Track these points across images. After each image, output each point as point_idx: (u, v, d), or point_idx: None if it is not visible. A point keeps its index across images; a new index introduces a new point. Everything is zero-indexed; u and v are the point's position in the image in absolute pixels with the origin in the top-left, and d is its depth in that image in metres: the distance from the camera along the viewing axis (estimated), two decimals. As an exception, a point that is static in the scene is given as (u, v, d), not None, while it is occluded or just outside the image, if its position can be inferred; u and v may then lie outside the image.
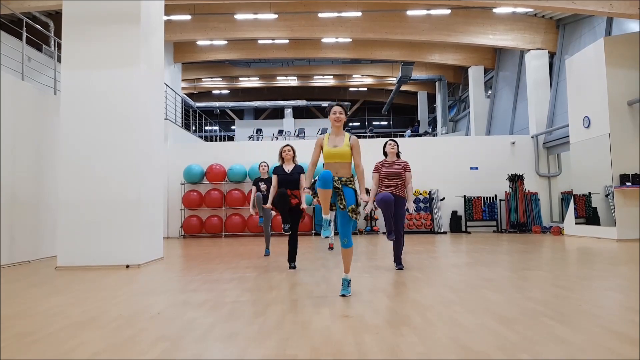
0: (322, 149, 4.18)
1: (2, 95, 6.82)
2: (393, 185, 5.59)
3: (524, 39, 13.79)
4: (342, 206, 4.00)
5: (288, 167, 5.96)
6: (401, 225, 5.61)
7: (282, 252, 7.84)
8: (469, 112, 19.26)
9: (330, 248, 8.13)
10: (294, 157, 6.04)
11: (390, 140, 5.79)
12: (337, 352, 2.51)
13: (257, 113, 29.59)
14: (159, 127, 7.57)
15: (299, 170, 5.92)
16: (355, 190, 4.10)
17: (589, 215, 10.29)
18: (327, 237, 4.14)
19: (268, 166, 7.66)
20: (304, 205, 5.55)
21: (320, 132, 20.58)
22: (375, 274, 5.27)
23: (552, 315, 3.19)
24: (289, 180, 5.85)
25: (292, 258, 5.86)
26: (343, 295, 4.03)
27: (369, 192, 5.85)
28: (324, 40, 16.49)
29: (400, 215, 5.58)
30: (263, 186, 7.38)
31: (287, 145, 6.10)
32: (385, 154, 5.80)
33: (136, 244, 6.46)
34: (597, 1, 9.35)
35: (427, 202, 12.78)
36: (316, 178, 4.10)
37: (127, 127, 6.60)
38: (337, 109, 4.15)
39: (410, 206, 5.71)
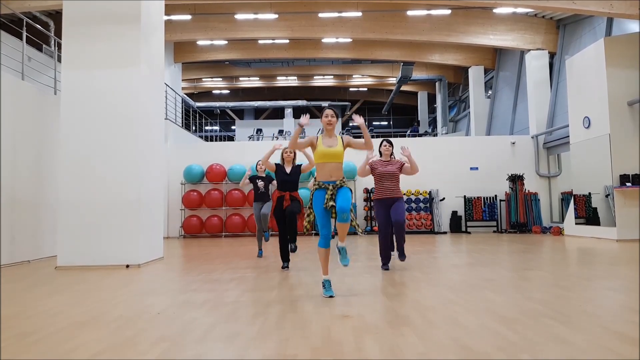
0: (313, 147, 4.23)
1: (2, 95, 6.82)
2: (389, 187, 5.62)
3: (524, 39, 13.78)
4: (334, 215, 4.02)
5: (288, 168, 6.01)
6: (402, 223, 5.57)
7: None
8: (469, 112, 19.26)
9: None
10: (294, 159, 6.10)
11: (385, 140, 5.83)
12: (337, 352, 2.51)
13: (258, 113, 29.59)
14: (159, 127, 7.58)
15: (297, 170, 5.98)
16: (351, 190, 4.17)
17: (589, 215, 10.29)
18: (331, 297, 4.06)
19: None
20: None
21: (320, 132, 20.59)
22: (375, 274, 5.27)
23: (553, 315, 3.19)
24: (288, 181, 5.91)
25: (285, 257, 5.88)
26: (345, 265, 4.18)
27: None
28: (324, 40, 16.48)
29: (399, 212, 5.53)
30: (260, 183, 7.40)
31: None
32: (380, 153, 5.85)
33: (136, 244, 6.46)
34: (597, 1, 9.35)
35: (427, 202, 12.78)
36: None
37: (127, 127, 6.60)
38: (329, 112, 4.25)
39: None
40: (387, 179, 5.63)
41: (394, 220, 5.51)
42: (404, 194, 12.04)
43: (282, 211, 5.83)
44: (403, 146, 5.56)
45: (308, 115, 4.33)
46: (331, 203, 4.01)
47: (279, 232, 5.88)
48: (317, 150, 4.16)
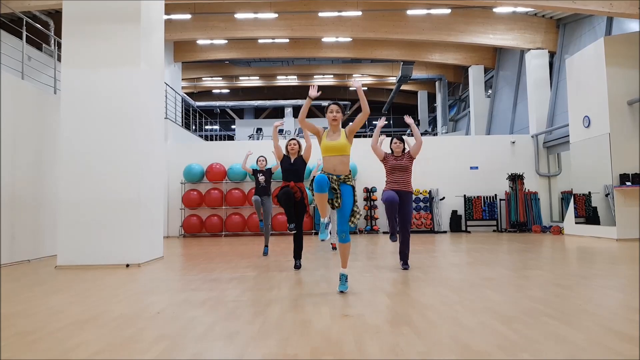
0: (318, 137, 4.31)
1: (2, 95, 6.82)
2: (400, 180, 5.59)
3: (524, 39, 13.78)
4: (337, 204, 4.08)
5: (293, 159, 6.04)
6: (408, 222, 5.57)
7: (282, 251, 7.85)
8: (469, 111, 19.25)
9: (333, 248, 8.06)
10: (299, 151, 6.11)
11: (395, 138, 5.81)
12: (337, 351, 2.51)
13: (257, 112, 29.59)
14: (159, 127, 7.57)
15: (302, 160, 5.99)
16: (353, 188, 4.19)
17: (588, 214, 10.29)
18: (323, 240, 4.22)
19: (266, 160, 7.71)
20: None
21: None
22: (375, 274, 5.27)
23: (553, 314, 3.19)
24: (292, 170, 5.91)
25: (297, 255, 5.85)
26: (341, 292, 4.08)
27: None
28: (324, 39, 16.47)
29: (407, 212, 5.55)
30: (261, 177, 7.44)
31: (293, 139, 6.20)
32: (391, 150, 5.83)
33: (136, 243, 6.46)
34: (597, 1, 9.34)
35: (427, 202, 12.78)
36: (316, 172, 4.18)
37: (127, 127, 6.60)
38: (334, 107, 4.27)
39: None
40: (399, 171, 5.61)
41: (400, 223, 5.52)
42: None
43: (291, 202, 5.66)
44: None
45: (316, 86, 4.29)
46: (335, 204, 4.08)
47: (294, 229, 5.73)
48: (321, 144, 4.24)
